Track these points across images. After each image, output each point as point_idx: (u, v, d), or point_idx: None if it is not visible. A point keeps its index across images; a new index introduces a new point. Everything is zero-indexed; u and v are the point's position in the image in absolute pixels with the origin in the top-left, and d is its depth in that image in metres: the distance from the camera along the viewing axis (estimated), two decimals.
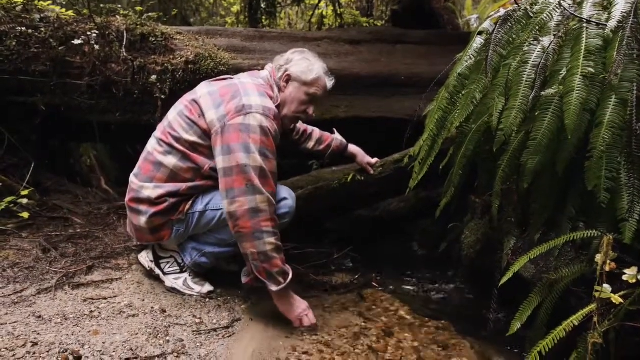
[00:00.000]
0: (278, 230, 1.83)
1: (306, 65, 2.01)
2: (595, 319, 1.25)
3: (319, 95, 2.05)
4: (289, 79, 2.01)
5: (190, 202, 1.94)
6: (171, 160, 1.92)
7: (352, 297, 2.26)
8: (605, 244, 1.23)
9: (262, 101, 1.87)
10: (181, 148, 1.90)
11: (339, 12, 5.54)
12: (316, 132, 2.42)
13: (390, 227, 3.16)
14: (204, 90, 1.96)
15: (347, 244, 2.79)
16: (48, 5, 2.78)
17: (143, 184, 1.94)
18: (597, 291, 1.25)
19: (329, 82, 2.09)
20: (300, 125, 2.37)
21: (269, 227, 1.79)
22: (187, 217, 1.95)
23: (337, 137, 2.46)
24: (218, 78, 2.08)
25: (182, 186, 1.92)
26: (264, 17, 5.34)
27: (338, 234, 3.04)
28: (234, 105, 1.83)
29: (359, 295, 2.28)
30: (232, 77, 2.05)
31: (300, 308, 1.90)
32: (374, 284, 2.44)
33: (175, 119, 1.95)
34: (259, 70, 2.14)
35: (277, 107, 1.96)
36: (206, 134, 1.88)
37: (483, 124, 1.86)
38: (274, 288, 1.83)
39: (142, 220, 1.92)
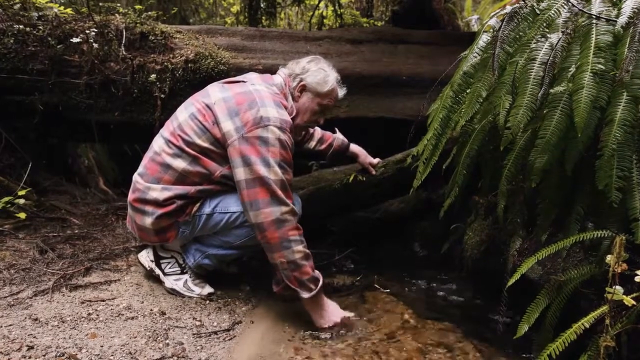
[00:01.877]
0: (304, 238, 1.83)
1: (322, 76, 2.01)
2: (607, 321, 1.22)
3: (331, 106, 2.09)
4: (303, 89, 2.02)
5: (198, 204, 1.92)
6: (180, 164, 1.88)
7: (354, 299, 2.22)
8: (617, 244, 1.20)
9: (279, 113, 1.85)
10: (192, 152, 1.87)
11: (339, 12, 5.52)
12: (317, 131, 2.40)
13: (391, 228, 3.13)
14: (217, 96, 1.91)
15: (348, 245, 2.76)
16: (46, 3, 2.74)
17: (150, 185, 1.90)
18: (609, 293, 1.22)
19: (341, 92, 2.10)
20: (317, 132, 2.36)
21: (296, 235, 1.80)
22: (194, 219, 1.92)
23: (339, 137, 2.43)
24: (230, 80, 2.03)
25: (191, 189, 1.89)
26: (263, 18, 5.32)
27: (339, 235, 3.01)
28: (252, 117, 1.81)
29: (361, 297, 2.25)
30: (245, 80, 2.00)
31: (332, 317, 1.89)
32: (376, 285, 2.40)
33: (186, 122, 1.91)
34: (260, 69, 2.12)
35: (292, 118, 1.95)
36: (219, 142, 1.85)
37: (487, 123, 1.84)
38: (305, 295, 1.83)
39: (148, 221, 1.89)
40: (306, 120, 2.05)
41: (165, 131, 1.98)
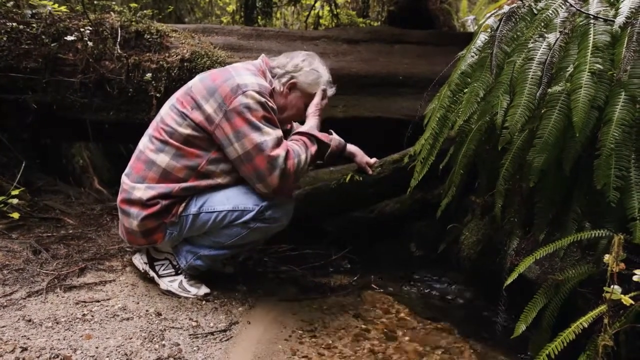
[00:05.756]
0: (291, 149, 1.89)
1: (314, 77, 2.03)
2: (605, 320, 1.22)
3: None
4: (293, 86, 2.02)
5: (184, 204, 1.89)
6: (164, 158, 1.87)
7: (352, 299, 2.22)
8: (616, 243, 1.20)
9: (256, 80, 1.89)
10: (175, 143, 1.86)
11: (335, 12, 5.52)
12: None
13: (387, 228, 3.12)
14: (195, 80, 1.96)
15: (344, 245, 2.75)
16: (40, 0, 2.71)
17: (135, 184, 1.88)
18: (607, 292, 1.22)
19: (330, 92, 2.11)
20: (298, 128, 2.34)
21: (295, 164, 1.87)
22: (181, 219, 1.90)
23: (335, 137, 2.42)
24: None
25: (175, 187, 1.87)
26: (259, 17, 5.30)
27: (335, 235, 3.00)
28: (229, 87, 1.83)
29: (358, 297, 2.24)
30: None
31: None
32: (373, 285, 2.40)
33: (167, 114, 1.92)
34: None
35: (272, 90, 1.97)
36: (200, 127, 1.85)
37: (485, 122, 1.83)
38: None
39: (134, 223, 1.87)
40: (291, 116, 2.09)
41: (150, 129, 1.99)
